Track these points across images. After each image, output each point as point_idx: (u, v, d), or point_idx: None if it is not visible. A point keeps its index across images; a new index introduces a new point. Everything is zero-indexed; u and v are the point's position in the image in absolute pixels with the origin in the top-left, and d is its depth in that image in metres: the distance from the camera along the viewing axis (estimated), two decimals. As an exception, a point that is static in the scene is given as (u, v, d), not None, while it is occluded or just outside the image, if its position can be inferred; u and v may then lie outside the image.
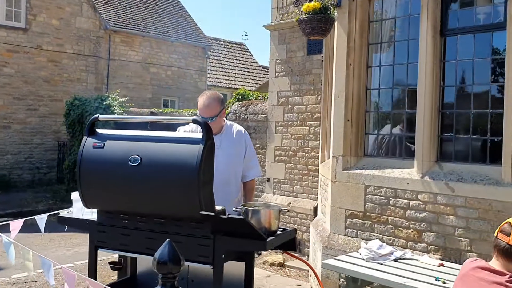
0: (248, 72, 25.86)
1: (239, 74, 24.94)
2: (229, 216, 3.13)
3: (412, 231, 4.52)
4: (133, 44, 16.14)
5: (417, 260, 4.06)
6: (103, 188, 3.33)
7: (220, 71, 23.45)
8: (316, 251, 5.54)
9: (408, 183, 4.53)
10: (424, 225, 4.45)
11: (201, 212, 3.10)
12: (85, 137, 3.44)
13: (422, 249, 4.45)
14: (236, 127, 3.99)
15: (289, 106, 7.90)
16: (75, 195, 3.80)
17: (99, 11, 15.29)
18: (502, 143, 4.06)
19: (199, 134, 3.59)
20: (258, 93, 17.29)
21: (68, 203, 12.14)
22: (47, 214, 4.71)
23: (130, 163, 3.17)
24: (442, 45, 4.57)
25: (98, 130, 3.46)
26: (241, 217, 3.10)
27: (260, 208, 3.45)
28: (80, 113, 11.90)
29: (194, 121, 3.25)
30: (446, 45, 4.60)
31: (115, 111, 11.61)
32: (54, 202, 11.72)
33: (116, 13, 16.29)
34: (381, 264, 3.69)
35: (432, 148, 4.54)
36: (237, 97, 16.72)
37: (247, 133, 4.05)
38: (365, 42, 5.07)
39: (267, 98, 8.44)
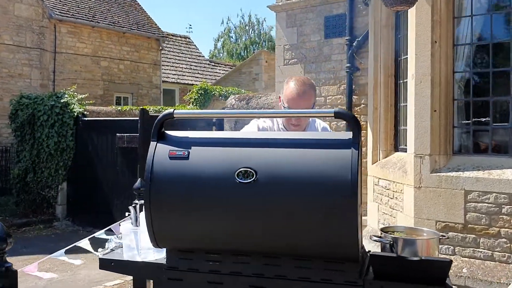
0: (196, 66, 24.62)
1: (186, 68, 23.66)
2: (426, 258, 2.07)
3: (536, 246, 3.67)
4: (82, 35, 14.39)
5: None
6: (191, 217, 2.15)
7: (167, 66, 22.00)
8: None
9: (528, 187, 3.67)
10: (554, 237, 3.60)
11: (372, 253, 2.07)
12: (153, 143, 2.21)
13: (553, 267, 3.61)
14: (320, 123, 2.93)
15: (304, 98, 6.85)
16: (125, 227, 2.57)
17: (42, -3, 13.45)
18: None
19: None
20: (221, 87, 16.15)
21: (20, 218, 10.12)
22: (64, 249, 3.41)
23: (238, 180, 2.03)
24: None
25: (169, 133, 2.28)
26: (446, 259, 2.03)
27: (415, 236, 2.42)
28: (31, 114, 10.20)
29: (338, 115, 2.14)
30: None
31: (74, 110, 10.05)
32: (3, 218, 9.95)
33: (61, 1, 14.47)
34: None
35: (553, 142, 3.70)
36: (199, 92, 15.50)
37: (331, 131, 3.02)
38: (451, 15, 4.15)
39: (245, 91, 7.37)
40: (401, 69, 4.99)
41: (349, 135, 2.05)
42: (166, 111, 2.26)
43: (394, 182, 4.57)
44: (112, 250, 2.67)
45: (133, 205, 2.62)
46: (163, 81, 19.39)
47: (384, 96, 5.06)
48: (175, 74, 22.21)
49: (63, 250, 3.35)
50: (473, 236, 3.91)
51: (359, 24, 6.30)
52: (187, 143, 2.19)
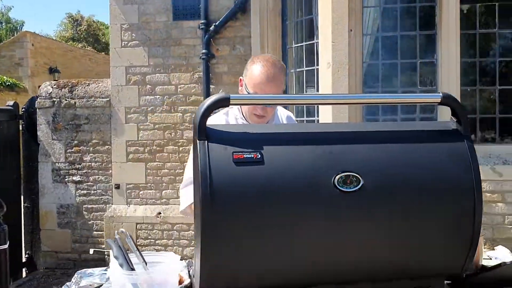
0: None
1: None
2: None
3: (452, 227, 3.93)
4: None
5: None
6: (269, 243, 1.56)
7: None
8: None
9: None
10: (467, 218, 3.91)
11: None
12: (202, 143, 1.49)
13: (466, 245, 3.92)
14: (283, 112, 2.60)
15: (148, 86, 6.05)
16: (115, 272, 1.74)
17: None
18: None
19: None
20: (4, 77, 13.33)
21: None
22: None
23: (337, 188, 1.54)
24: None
25: (211, 126, 1.60)
26: None
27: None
28: None
29: (445, 100, 1.80)
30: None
31: None
32: None
33: None
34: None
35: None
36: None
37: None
38: (360, 4, 4.11)
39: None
40: (290, 58, 4.79)
41: (451, 124, 1.70)
42: (219, 96, 1.51)
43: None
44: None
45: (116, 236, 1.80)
46: None
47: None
48: None
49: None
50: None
51: (215, 7, 5.86)
52: (253, 142, 1.51)
